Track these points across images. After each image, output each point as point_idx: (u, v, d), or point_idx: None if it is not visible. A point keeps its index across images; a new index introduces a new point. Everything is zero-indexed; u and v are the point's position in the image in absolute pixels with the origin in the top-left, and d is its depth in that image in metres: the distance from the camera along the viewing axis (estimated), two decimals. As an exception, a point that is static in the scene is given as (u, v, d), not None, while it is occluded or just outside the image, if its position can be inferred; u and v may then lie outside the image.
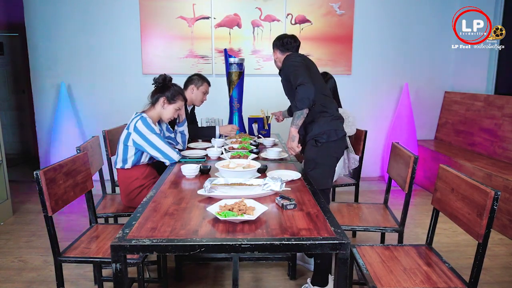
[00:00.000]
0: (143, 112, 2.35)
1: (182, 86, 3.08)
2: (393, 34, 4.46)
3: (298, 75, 2.09)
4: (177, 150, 2.39)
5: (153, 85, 2.40)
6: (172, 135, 2.65)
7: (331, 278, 2.19)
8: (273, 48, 2.49)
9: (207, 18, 4.28)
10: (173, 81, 2.45)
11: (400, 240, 2.14)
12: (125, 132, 2.28)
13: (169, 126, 2.66)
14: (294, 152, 2.23)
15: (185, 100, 2.48)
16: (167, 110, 2.38)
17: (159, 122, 2.52)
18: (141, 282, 1.80)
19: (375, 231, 2.18)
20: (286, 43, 2.42)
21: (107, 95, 4.37)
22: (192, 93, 3.04)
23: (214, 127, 3.07)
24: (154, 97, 2.37)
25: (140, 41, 4.27)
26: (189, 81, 3.06)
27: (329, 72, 2.97)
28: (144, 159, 2.35)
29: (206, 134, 3.06)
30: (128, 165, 2.30)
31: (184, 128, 2.69)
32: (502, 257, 2.71)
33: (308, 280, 2.21)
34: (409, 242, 2.90)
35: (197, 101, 3.09)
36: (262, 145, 2.94)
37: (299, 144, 2.21)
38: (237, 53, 4.33)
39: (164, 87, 2.37)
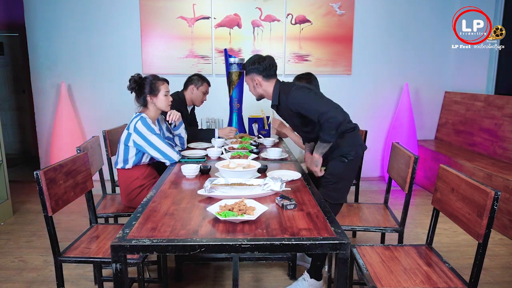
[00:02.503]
0: (142, 112, 2.35)
1: (182, 87, 3.10)
2: (393, 34, 4.46)
3: (319, 107, 1.95)
4: (177, 150, 2.39)
5: (131, 92, 2.36)
6: (172, 136, 2.65)
7: (324, 271, 2.20)
8: (247, 72, 2.22)
9: (207, 18, 4.28)
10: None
11: (400, 240, 2.14)
12: (125, 132, 2.28)
13: (169, 126, 2.66)
14: (317, 175, 2.14)
15: (166, 81, 2.40)
16: (158, 102, 2.35)
17: (159, 121, 2.52)
18: (141, 282, 1.80)
19: (375, 231, 2.18)
20: (268, 68, 2.17)
21: (107, 95, 4.37)
22: (192, 93, 3.05)
23: (213, 129, 3.06)
24: (141, 100, 2.35)
25: (140, 41, 4.27)
26: (189, 81, 3.06)
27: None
28: (145, 159, 2.35)
29: (205, 136, 3.05)
30: (129, 165, 2.30)
31: (181, 131, 2.67)
32: (502, 257, 2.71)
33: (306, 271, 2.21)
34: (409, 242, 2.90)
35: (197, 101, 3.10)
36: (262, 145, 2.94)
37: (322, 169, 2.13)
38: (237, 53, 4.33)
39: (140, 87, 2.33)
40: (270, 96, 2.23)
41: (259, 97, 2.30)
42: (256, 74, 2.19)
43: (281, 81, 2.23)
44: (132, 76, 2.33)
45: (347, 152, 2.12)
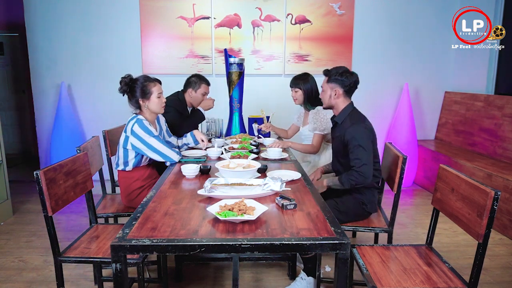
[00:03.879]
0: (138, 114, 2.31)
1: (182, 87, 3.09)
2: (393, 34, 4.46)
3: (363, 157, 2.04)
4: (177, 150, 2.38)
5: (123, 95, 2.32)
6: (171, 139, 2.64)
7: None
8: (330, 80, 2.20)
9: (207, 18, 4.28)
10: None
11: (390, 240, 2.14)
12: (123, 135, 2.26)
13: (169, 130, 2.66)
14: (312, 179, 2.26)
15: (158, 81, 2.34)
16: (151, 104, 2.29)
17: (159, 122, 2.51)
18: (141, 282, 1.80)
19: (367, 231, 2.18)
20: (352, 85, 2.18)
21: (107, 95, 4.36)
22: (190, 96, 3.02)
23: (198, 109, 3.00)
24: (133, 103, 2.30)
25: (140, 41, 4.27)
26: (187, 84, 3.02)
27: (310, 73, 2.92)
28: (145, 160, 2.34)
29: (194, 121, 2.99)
30: (129, 167, 2.29)
31: (189, 141, 2.70)
32: (502, 257, 2.71)
33: (301, 270, 2.21)
34: (409, 242, 2.90)
35: (196, 104, 3.05)
36: (262, 145, 2.93)
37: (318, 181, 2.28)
38: (237, 53, 4.33)
39: (132, 90, 2.27)
40: (338, 111, 2.25)
41: (328, 107, 2.30)
42: (339, 86, 2.19)
43: (355, 107, 2.26)
44: (122, 78, 2.26)
45: (366, 203, 2.20)
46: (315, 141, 2.72)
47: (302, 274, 2.20)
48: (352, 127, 2.10)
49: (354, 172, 2.04)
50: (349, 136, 2.09)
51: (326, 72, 2.26)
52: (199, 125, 3.40)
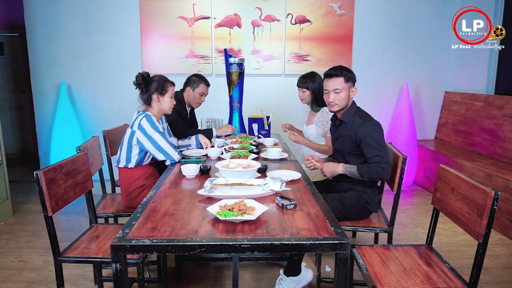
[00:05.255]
0: (145, 110, 2.34)
1: (181, 87, 3.09)
2: (393, 34, 4.46)
3: (380, 152, 2.01)
4: (178, 150, 2.39)
5: (137, 88, 2.37)
6: (171, 139, 2.64)
7: (303, 265, 2.19)
8: (349, 80, 2.12)
9: (207, 18, 4.28)
10: (172, 81, 2.45)
11: (390, 240, 2.13)
12: (129, 131, 2.28)
13: (170, 130, 2.67)
14: (323, 175, 2.18)
15: (173, 84, 2.43)
16: (164, 102, 2.36)
17: (162, 122, 2.52)
18: (141, 282, 1.80)
19: (368, 231, 2.18)
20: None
21: (107, 95, 4.37)
22: (188, 95, 3.01)
23: (211, 129, 3.02)
24: (145, 97, 2.35)
25: (140, 41, 4.27)
26: (187, 82, 3.02)
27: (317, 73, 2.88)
28: (147, 159, 2.35)
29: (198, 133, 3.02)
30: (132, 164, 2.30)
31: (192, 143, 2.73)
32: (502, 257, 2.71)
33: (281, 271, 2.18)
34: (409, 242, 2.90)
35: (193, 103, 3.04)
36: (262, 145, 2.93)
37: (326, 176, 2.18)
38: (237, 53, 4.33)
39: (148, 84, 2.34)
40: (345, 109, 2.19)
41: (343, 108, 2.17)
42: (353, 84, 2.16)
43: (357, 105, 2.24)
44: (139, 73, 2.33)
45: (369, 201, 2.19)
46: (330, 143, 2.67)
47: (282, 276, 2.16)
48: (366, 124, 2.07)
49: (377, 168, 1.98)
50: (364, 134, 2.05)
51: (338, 73, 2.13)
52: (199, 124, 3.40)
